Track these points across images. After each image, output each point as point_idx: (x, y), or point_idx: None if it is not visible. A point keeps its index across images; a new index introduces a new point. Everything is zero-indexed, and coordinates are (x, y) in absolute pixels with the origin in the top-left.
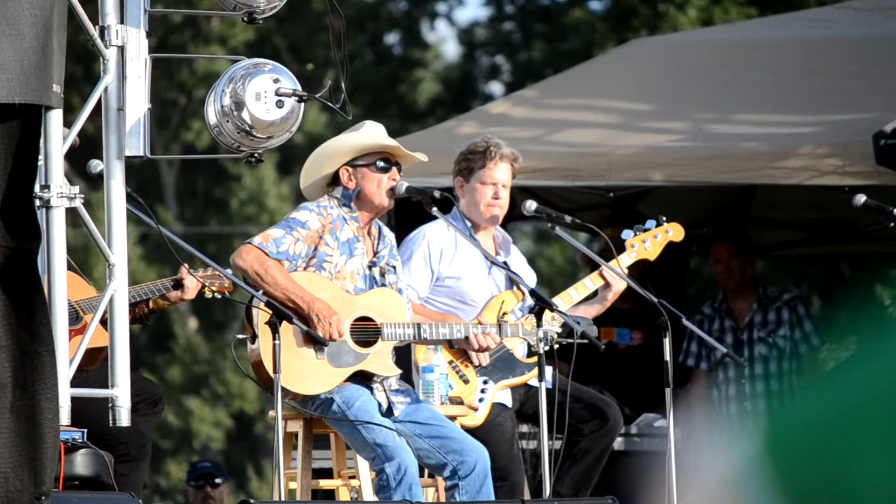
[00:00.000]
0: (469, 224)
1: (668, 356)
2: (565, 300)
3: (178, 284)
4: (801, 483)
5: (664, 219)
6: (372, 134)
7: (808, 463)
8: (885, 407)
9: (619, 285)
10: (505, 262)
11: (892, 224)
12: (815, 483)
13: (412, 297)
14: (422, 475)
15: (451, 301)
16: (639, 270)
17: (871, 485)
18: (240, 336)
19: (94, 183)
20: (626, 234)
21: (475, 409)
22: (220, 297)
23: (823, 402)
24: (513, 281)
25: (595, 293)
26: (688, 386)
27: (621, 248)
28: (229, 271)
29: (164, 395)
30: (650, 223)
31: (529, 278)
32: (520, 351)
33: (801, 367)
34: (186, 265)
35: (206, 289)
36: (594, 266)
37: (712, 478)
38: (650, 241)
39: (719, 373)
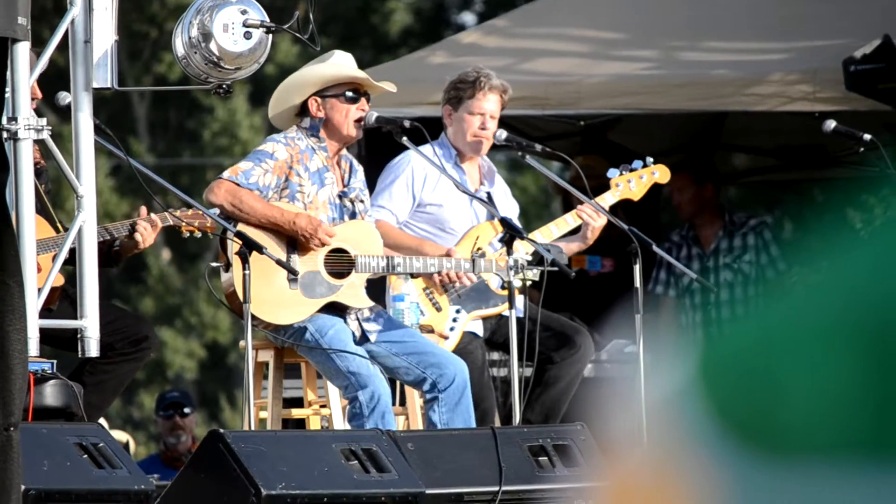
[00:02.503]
0: (455, 152)
1: (638, 283)
2: (545, 234)
3: (133, 231)
4: (730, 405)
5: (651, 160)
6: (340, 65)
7: (737, 384)
8: (822, 329)
9: (600, 222)
10: (488, 193)
11: (862, 149)
12: (743, 405)
13: (391, 220)
14: (393, 403)
15: (430, 228)
16: None
17: (796, 408)
18: (213, 264)
19: (63, 115)
20: (612, 173)
21: (445, 338)
22: (199, 235)
23: (759, 323)
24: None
25: (577, 229)
26: (657, 313)
27: (604, 184)
28: (212, 210)
29: (151, 333)
30: (637, 163)
31: (511, 209)
32: (494, 282)
33: (768, 292)
34: (149, 211)
35: (185, 227)
36: (566, 194)
37: (641, 398)
38: (635, 182)
39: (686, 299)
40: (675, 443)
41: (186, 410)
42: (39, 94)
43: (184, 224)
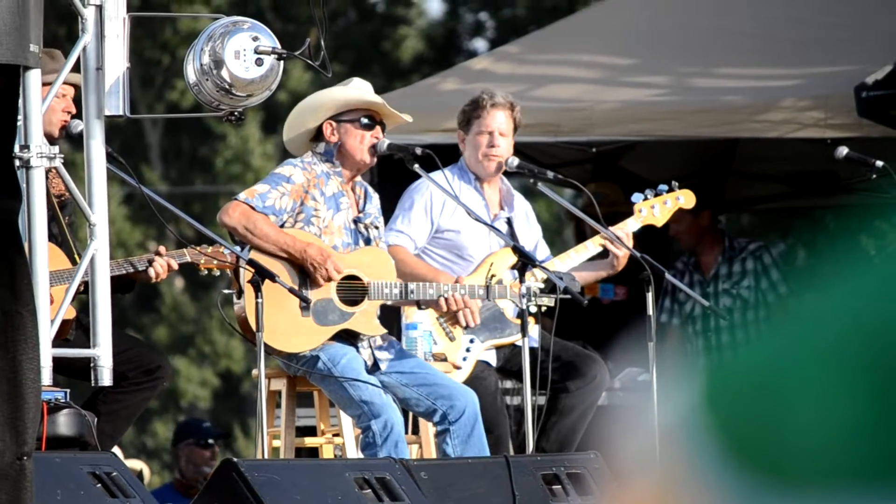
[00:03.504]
0: (473, 176)
1: (651, 311)
2: (564, 261)
3: (149, 266)
4: (734, 431)
5: (676, 184)
6: (357, 90)
7: (741, 410)
8: (825, 354)
9: (625, 250)
10: (508, 219)
11: (874, 176)
12: (747, 431)
13: (408, 246)
14: (406, 432)
15: (447, 254)
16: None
17: (799, 434)
18: (226, 291)
19: (77, 144)
20: (636, 198)
21: (458, 368)
22: (218, 273)
23: (764, 348)
24: (513, 237)
25: (600, 255)
26: (663, 341)
27: (616, 211)
28: (237, 248)
29: (164, 362)
30: (662, 187)
31: (532, 234)
32: (510, 311)
33: (770, 317)
34: (166, 248)
35: (203, 266)
36: (578, 221)
37: (654, 426)
38: (659, 208)
39: (689, 326)
40: (683, 469)
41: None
42: (74, 109)
43: (202, 262)
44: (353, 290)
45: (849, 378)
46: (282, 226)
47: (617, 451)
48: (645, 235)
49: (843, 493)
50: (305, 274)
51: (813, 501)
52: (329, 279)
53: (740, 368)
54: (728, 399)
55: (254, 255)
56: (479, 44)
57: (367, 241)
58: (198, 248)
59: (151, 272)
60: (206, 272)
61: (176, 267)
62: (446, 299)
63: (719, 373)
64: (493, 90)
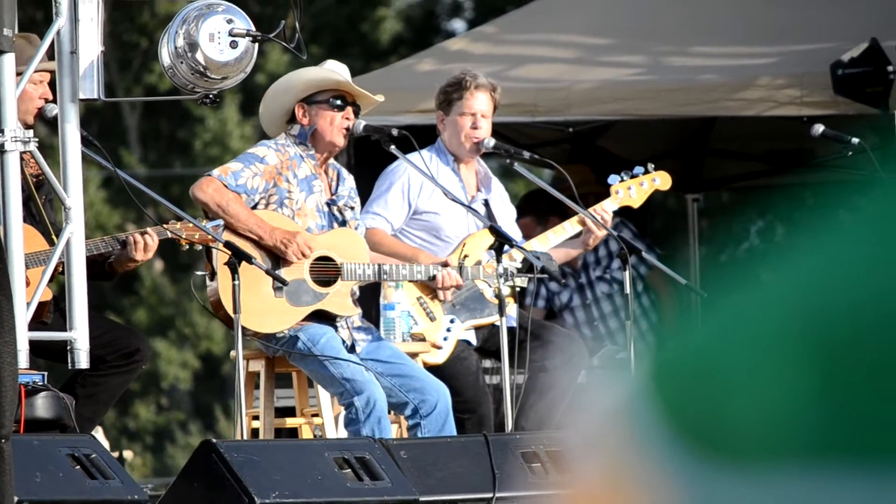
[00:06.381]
0: (452, 158)
1: (627, 289)
2: (542, 242)
3: (124, 245)
4: (680, 410)
5: (652, 166)
6: (327, 69)
7: (686, 390)
8: (769, 333)
9: (602, 231)
10: (486, 200)
11: (851, 153)
12: (693, 411)
13: (385, 228)
14: (389, 412)
15: (426, 235)
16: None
17: (744, 412)
18: (199, 273)
19: (53, 128)
20: (613, 180)
21: (439, 348)
22: (200, 248)
23: (708, 328)
24: (491, 219)
25: (577, 235)
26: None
27: (591, 192)
28: (211, 228)
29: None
30: (638, 169)
31: (509, 215)
32: (488, 291)
33: (648, 285)
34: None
35: (185, 240)
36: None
37: (601, 408)
38: (636, 189)
39: (568, 317)
40: (628, 449)
41: None
42: (50, 95)
43: (183, 237)
44: (325, 271)
45: (795, 356)
46: (254, 207)
47: (566, 431)
48: (623, 212)
49: (789, 471)
50: (276, 257)
51: (760, 479)
52: (302, 255)
53: (685, 347)
54: (674, 379)
55: (227, 235)
56: (458, 24)
57: (342, 223)
58: (178, 224)
59: (131, 250)
60: (188, 246)
61: (156, 241)
62: (441, 276)
63: (664, 352)
64: (474, 71)
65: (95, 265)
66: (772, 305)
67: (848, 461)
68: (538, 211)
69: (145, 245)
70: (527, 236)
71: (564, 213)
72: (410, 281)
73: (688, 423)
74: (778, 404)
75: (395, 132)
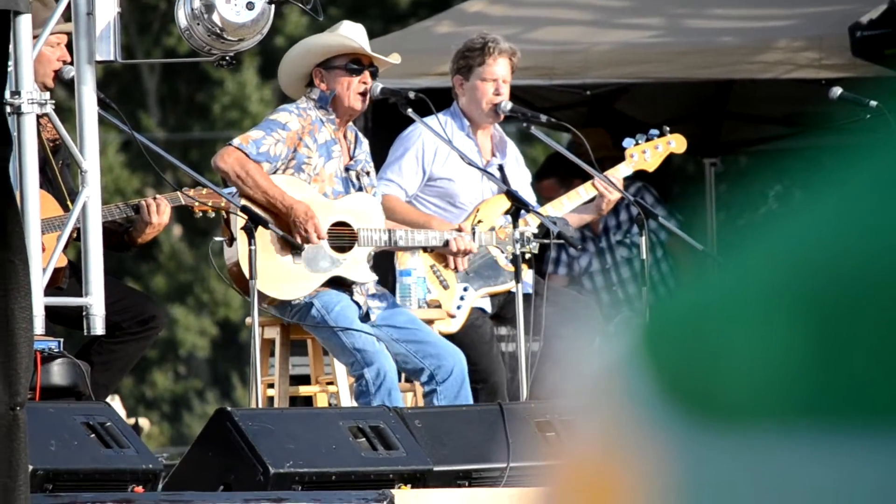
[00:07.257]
0: (468, 123)
1: (644, 255)
2: (557, 207)
3: (137, 210)
4: (673, 373)
5: (668, 129)
6: (341, 35)
7: (679, 352)
8: (763, 293)
9: (616, 195)
10: (500, 165)
11: (869, 116)
12: (686, 373)
13: (399, 195)
14: (400, 380)
15: (440, 202)
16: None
17: (738, 374)
18: (217, 238)
19: (71, 90)
20: (627, 143)
21: (453, 316)
22: (213, 215)
23: (702, 289)
24: (506, 184)
25: (591, 200)
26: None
27: (608, 156)
28: (227, 193)
29: (159, 312)
30: (653, 132)
31: (524, 179)
32: (503, 258)
33: (668, 252)
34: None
35: (198, 207)
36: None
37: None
38: (651, 152)
39: (587, 282)
40: (620, 413)
41: None
42: (69, 58)
43: (196, 203)
44: (342, 237)
45: (790, 315)
46: (274, 173)
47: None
48: (642, 176)
49: (782, 431)
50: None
51: (752, 440)
52: (307, 241)
53: (678, 309)
54: (666, 340)
55: (245, 202)
56: None
57: (359, 190)
58: (192, 191)
59: (145, 214)
60: (201, 214)
61: (169, 204)
62: (453, 240)
63: (657, 314)
64: (494, 35)
65: (114, 235)
66: (767, 264)
67: (842, 421)
68: (561, 173)
69: (158, 206)
70: (550, 198)
71: (587, 176)
72: (423, 248)
73: (680, 383)
74: (772, 364)
75: (412, 95)
